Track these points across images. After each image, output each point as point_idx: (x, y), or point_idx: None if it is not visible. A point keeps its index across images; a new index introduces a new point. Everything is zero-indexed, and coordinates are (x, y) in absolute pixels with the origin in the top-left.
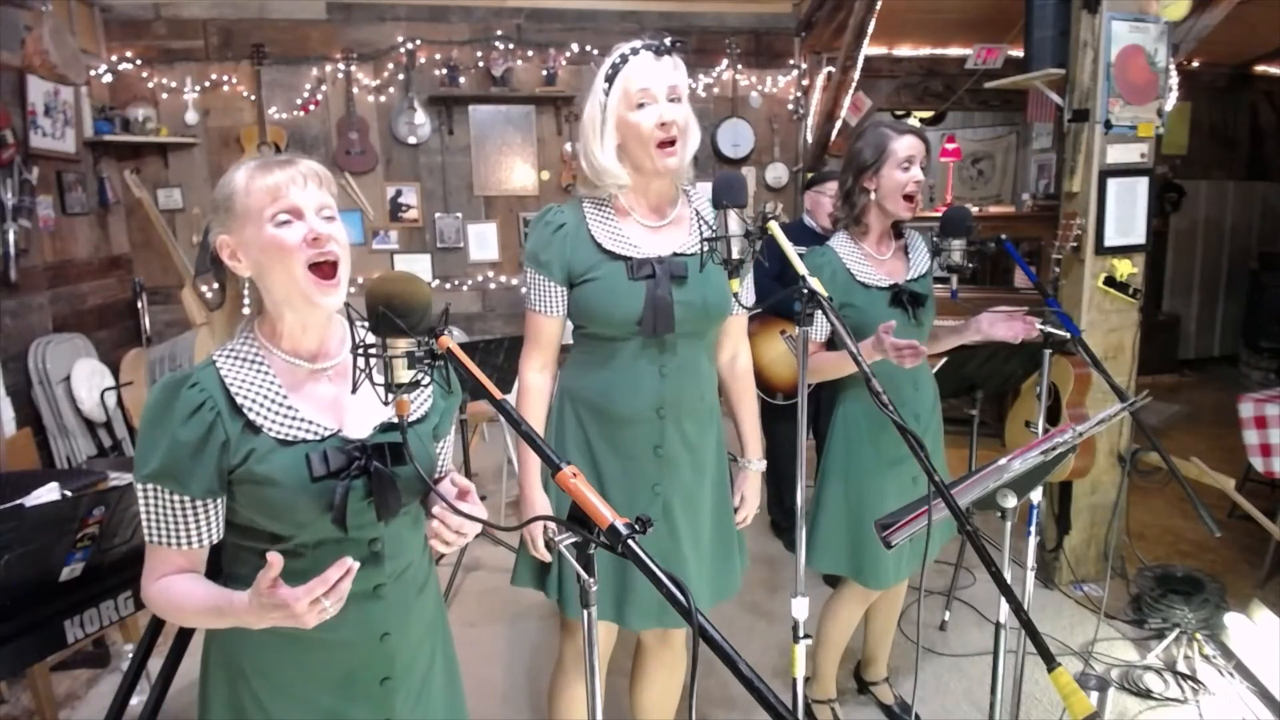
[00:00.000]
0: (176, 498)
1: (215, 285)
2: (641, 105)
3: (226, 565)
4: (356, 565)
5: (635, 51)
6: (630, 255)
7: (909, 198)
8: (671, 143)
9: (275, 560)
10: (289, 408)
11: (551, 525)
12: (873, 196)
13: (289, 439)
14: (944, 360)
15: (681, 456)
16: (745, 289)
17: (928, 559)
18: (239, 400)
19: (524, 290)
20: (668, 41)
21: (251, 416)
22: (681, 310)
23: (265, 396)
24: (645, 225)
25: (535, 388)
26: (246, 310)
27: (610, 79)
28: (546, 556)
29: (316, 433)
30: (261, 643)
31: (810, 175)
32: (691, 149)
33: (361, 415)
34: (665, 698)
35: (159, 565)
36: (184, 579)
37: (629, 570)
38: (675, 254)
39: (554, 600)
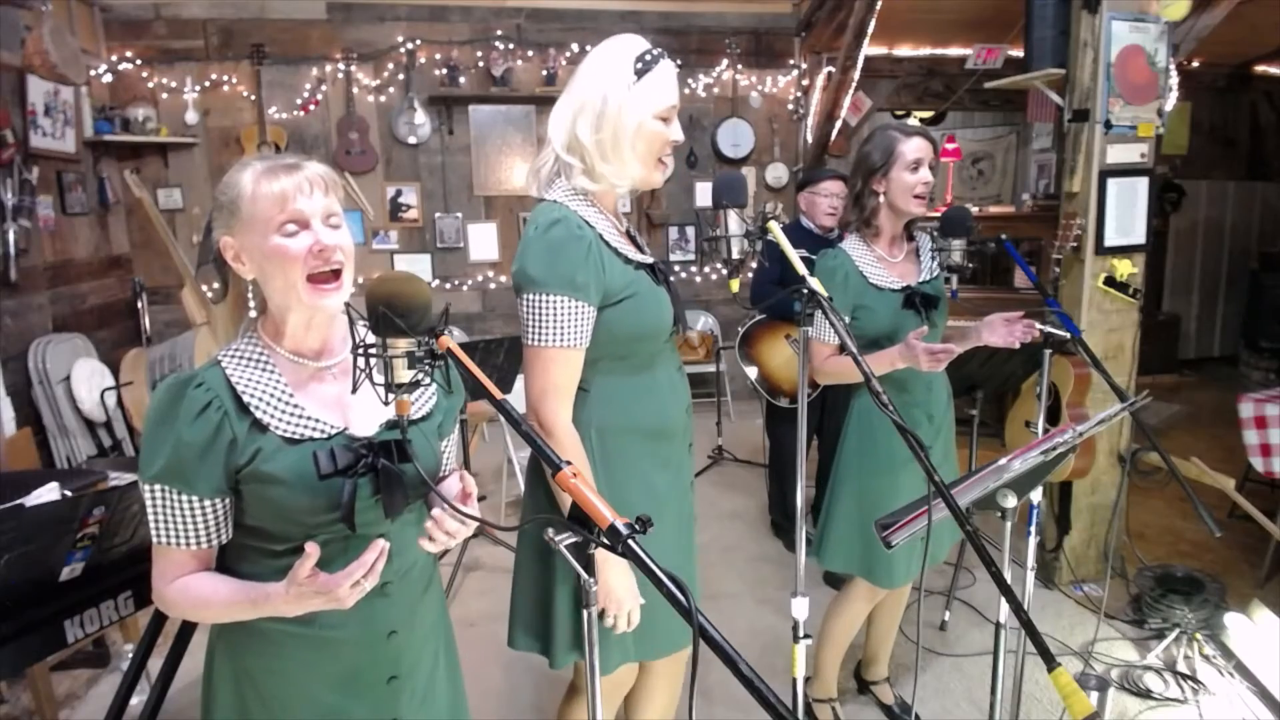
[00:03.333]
0: (184, 498)
1: (216, 284)
2: (665, 120)
3: (232, 563)
4: (388, 545)
5: (662, 55)
6: (645, 261)
7: (919, 197)
8: (664, 160)
9: (313, 550)
10: (295, 406)
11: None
12: (882, 199)
13: (296, 437)
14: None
15: None
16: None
17: (932, 560)
18: (245, 399)
19: (546, 323)
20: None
21: (258, 415)
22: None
23: (271, 395)
24: (622, 232)
25: (576, 438)
26: (253, 313)
27: (640, 73)
28: (634, 622)
29: (323, 431)
30: (268, 641)
31: (802, 176)
32: None
33: (367, 413)
34: (664, 714)
35: (169, 568)
36: (204, 577)
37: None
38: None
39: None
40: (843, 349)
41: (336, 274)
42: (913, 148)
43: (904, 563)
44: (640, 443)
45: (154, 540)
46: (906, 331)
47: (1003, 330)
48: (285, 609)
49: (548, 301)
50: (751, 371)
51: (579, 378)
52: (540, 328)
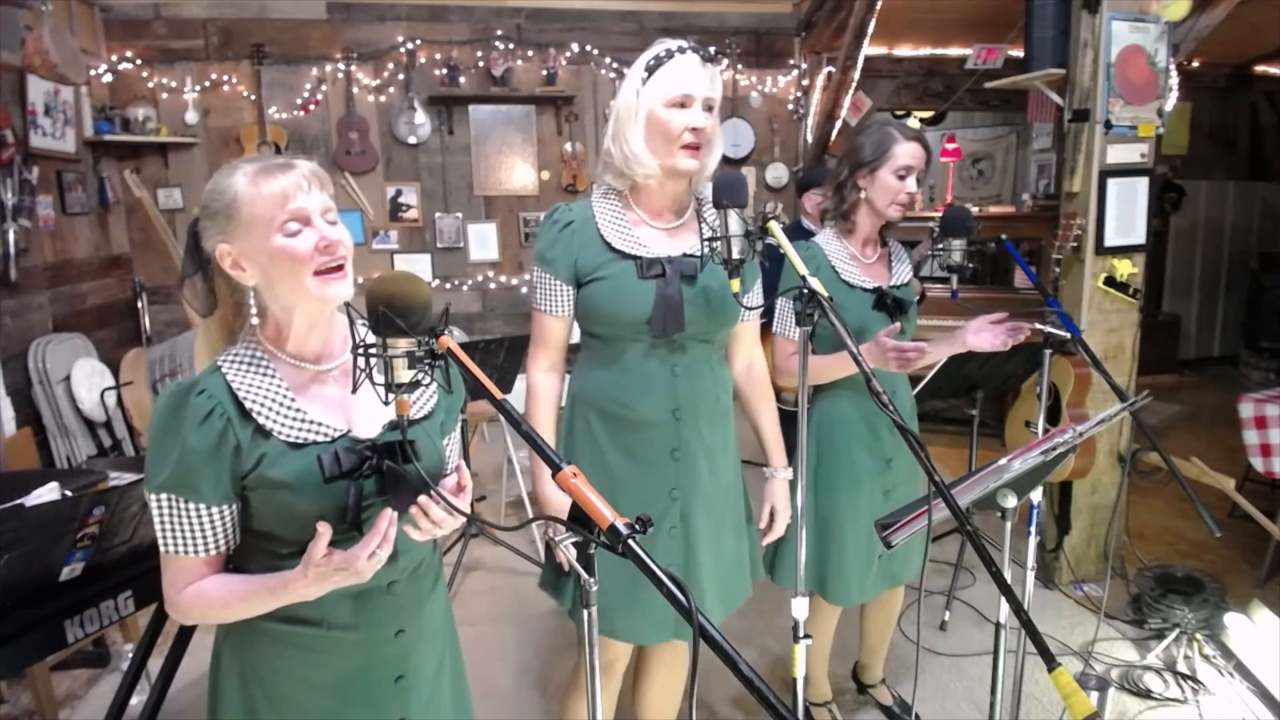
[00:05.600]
0: (191, 506)
1: (200, 289)
2: (680, 106)
3: (236, 561)
4: (396, 513)
5: (682, 50)
6: (639, 254)
7: (899, 204)
8: (696, 147)
9: (325, 530)
10: (297, 410)
11: (549, 525)
12: (863, 195)
13: (299, 441)
14: (942, 361)
15: (700, 460)
16: (753, 293)
17: (895, 582)
18: (248, 405)
19: (532, 290)
20: (712, 50)
21: (261, 421)
22: (691, 310)
23: (273, 400)
24: (657, 227)
25: (543, 388)
26: (255, 321)
27: (651, 70)
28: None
29: (326, 434)
30: (275, 641)
31: (803, 177)
32: (714, 160)
33: (369, 414)
34: (668, 696)
35: (180, 575)
36: (216, 578)
37: (640, 586)
38: (685, 254)
39: (568, 611)
40: (812, 348)
41: (341, 267)
42: (906, 152)
43: (857, 581)
44: (601, 420)
45: (163, 550)
46: (874, 333)
47: (987, 334)
48: (306, 592)
49: (534, 273)
50: None
51: (560, 342)
52: (532, 292)
